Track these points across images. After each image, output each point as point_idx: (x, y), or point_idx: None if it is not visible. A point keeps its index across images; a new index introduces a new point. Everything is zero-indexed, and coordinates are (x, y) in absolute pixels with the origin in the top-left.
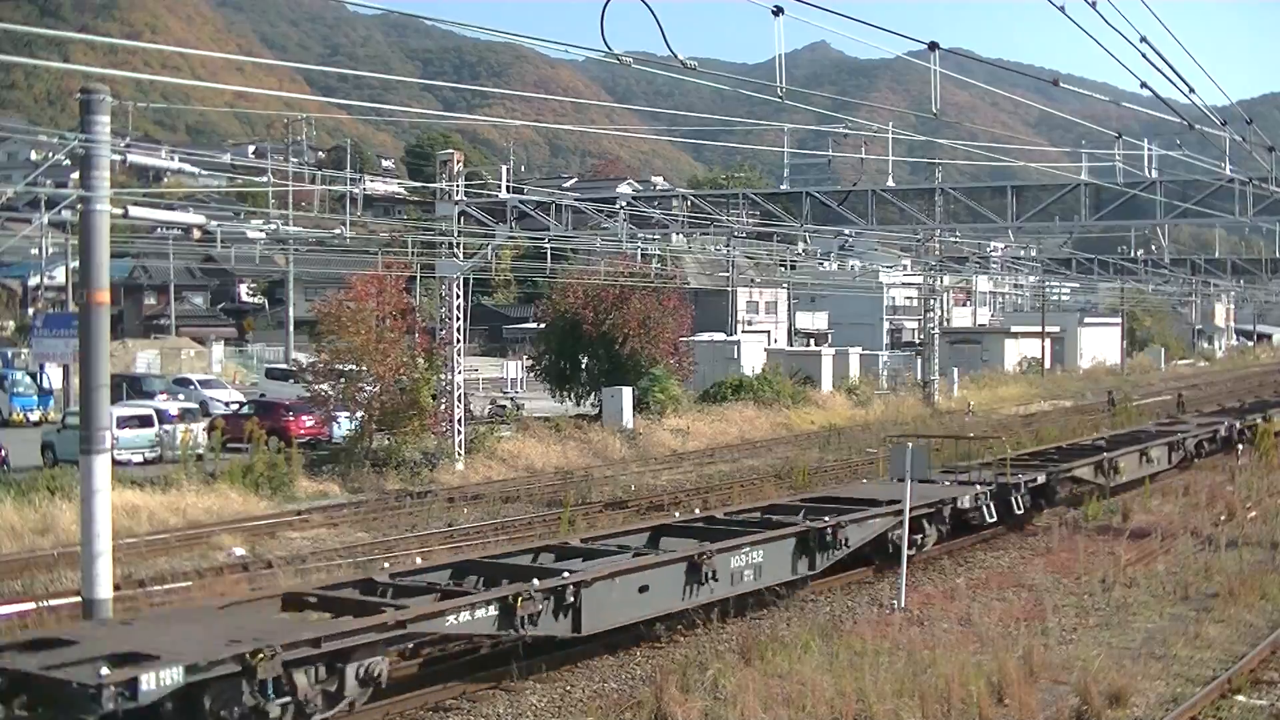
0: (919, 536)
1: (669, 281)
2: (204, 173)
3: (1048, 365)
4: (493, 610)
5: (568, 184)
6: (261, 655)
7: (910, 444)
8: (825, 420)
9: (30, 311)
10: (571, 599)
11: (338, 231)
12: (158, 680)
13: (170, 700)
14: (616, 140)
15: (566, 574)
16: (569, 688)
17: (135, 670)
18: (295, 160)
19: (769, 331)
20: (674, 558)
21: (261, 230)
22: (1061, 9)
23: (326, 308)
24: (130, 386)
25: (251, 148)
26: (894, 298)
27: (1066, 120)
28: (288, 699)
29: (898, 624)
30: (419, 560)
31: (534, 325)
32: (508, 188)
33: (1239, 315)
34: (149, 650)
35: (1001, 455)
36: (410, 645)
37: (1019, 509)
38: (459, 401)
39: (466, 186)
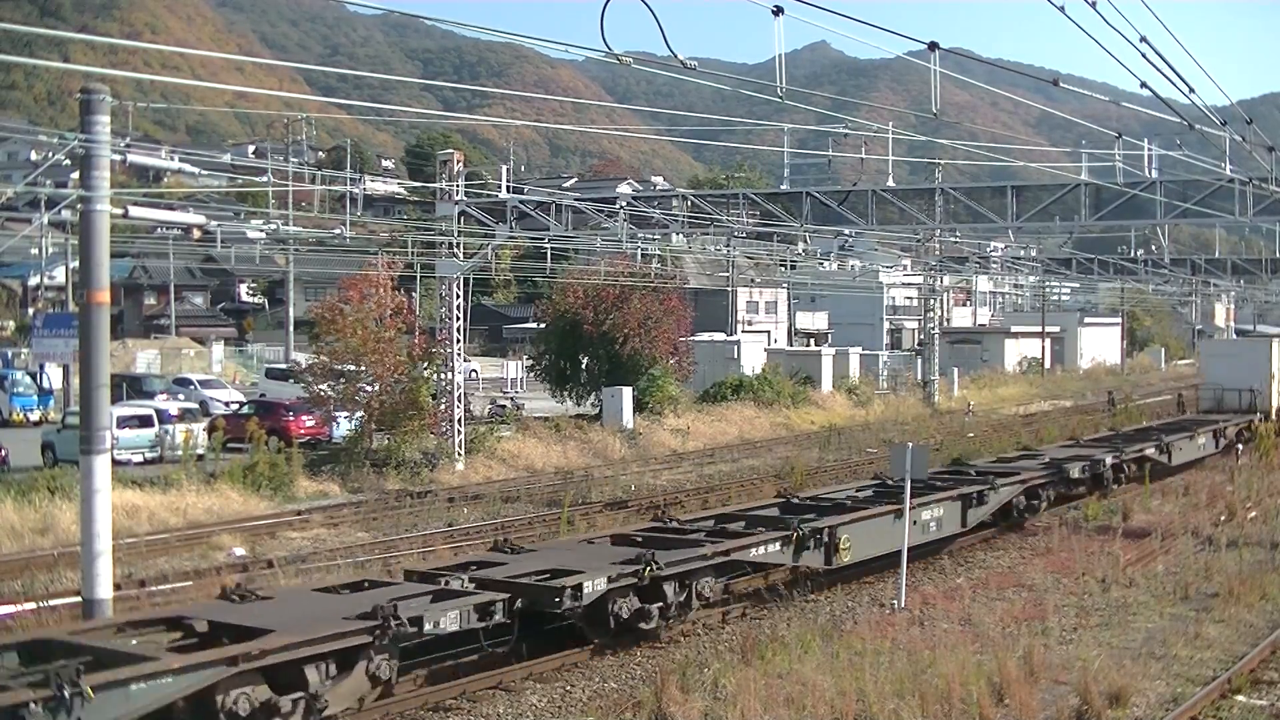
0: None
1: (669, 281)
2: (204, 173)
3: (1048, 365)
4: (776, 546)
5: (568, 184)
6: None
7: (911, 444)
8: (825, 420)
9: (30, 311)
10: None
11: (338, 231)
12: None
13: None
14: (616, 140)
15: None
16: (569, 688)
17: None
18: (295, 160)
19: (769, 331)
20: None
21: (261, 230)
22: (1061, 9)
23: (321, 310)
24: (130, 386)
25: (251, 148)
26: (894, 298)
27: (1066, 120)
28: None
29: (898, 624)
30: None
31: (534, 325)
32: (508, 188)
33: (1239, 315)
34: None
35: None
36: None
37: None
38: (459, 401)
39: (466, 186)
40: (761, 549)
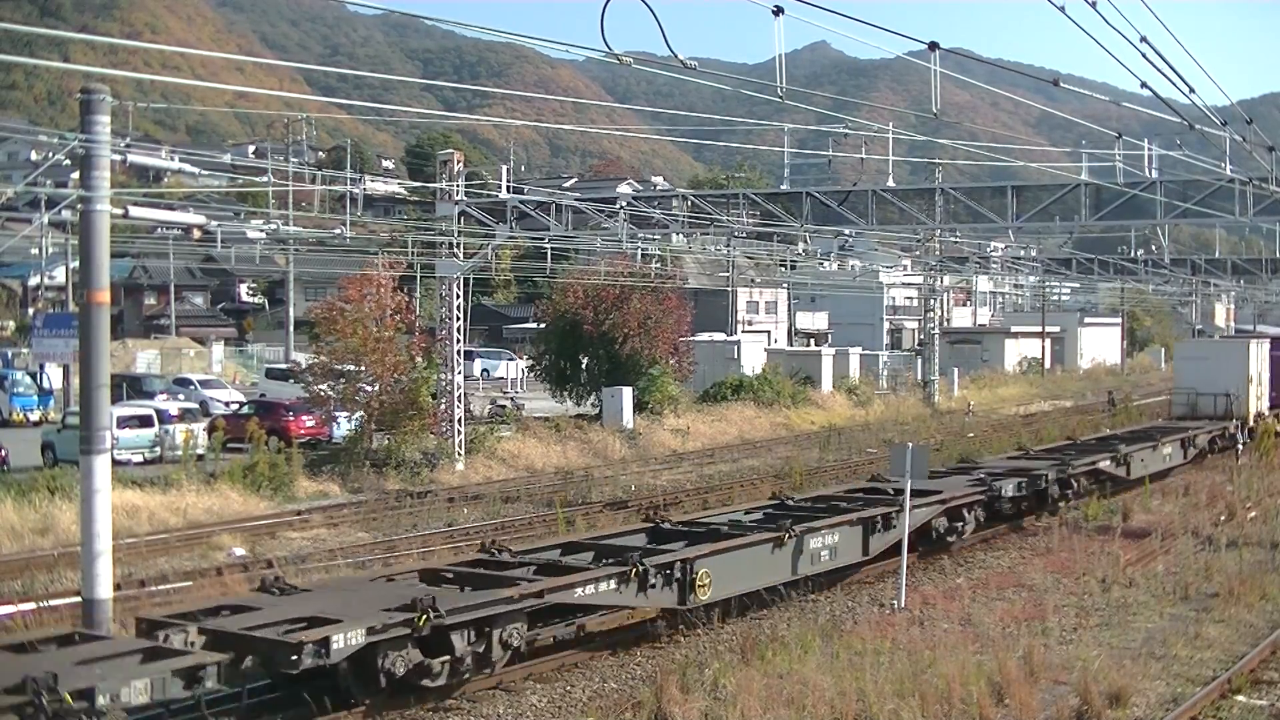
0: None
1: (669, 281)
2: (204, 173)
3: (1048, 365)
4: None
5: (568, 184)
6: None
7: (911, 444)
8: (825, 420)
9: (30, 311)
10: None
11: (338, 231)
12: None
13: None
14: (616, 140)
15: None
16: (569, 688)
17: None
18: (295, 160)
19: (769, 331)
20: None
21: (261, 230)
22: (1061, 9)
23: (321, 310)
24: (130, 386)
25: (251, 148)
26: (894, 298)
27: (1066, 120)
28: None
29: (898, 624)
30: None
31: (534, 325)
32: (508, 188)
33: (1239, 315)
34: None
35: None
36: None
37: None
38: (459, 401)
39: (466, 186)
40: (590, 588)
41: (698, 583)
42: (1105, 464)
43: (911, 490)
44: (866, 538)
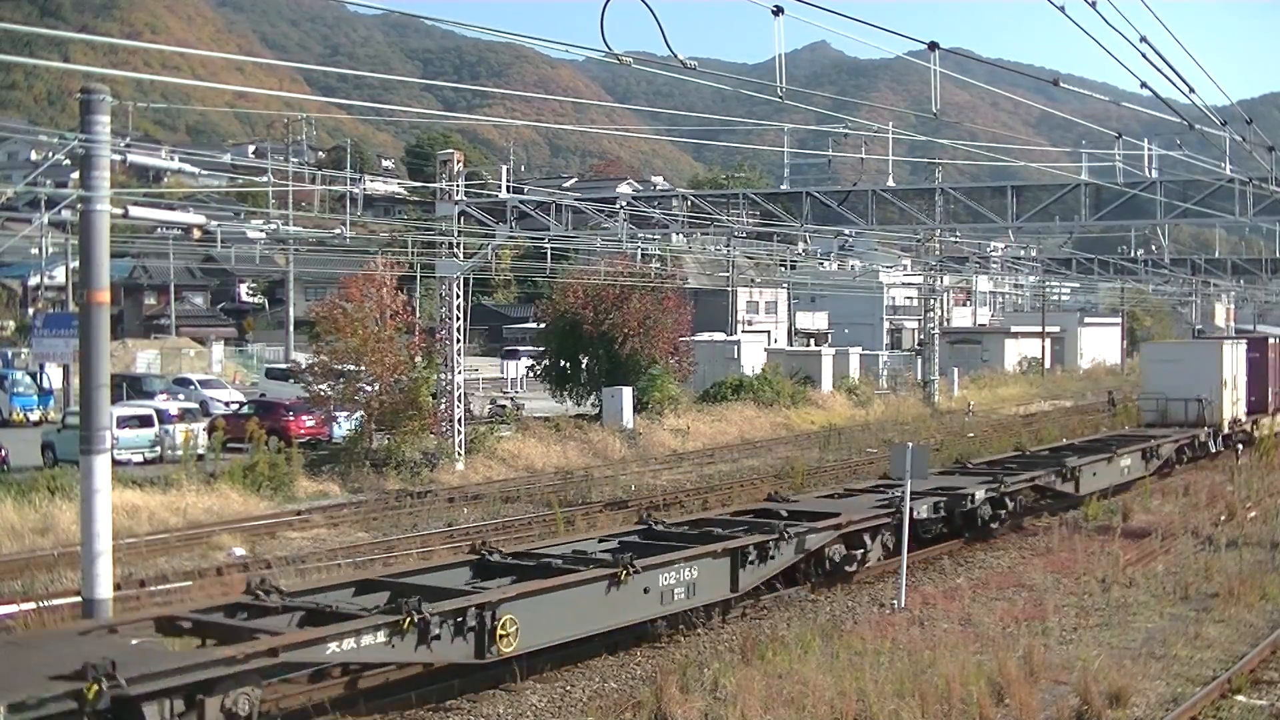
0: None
1: (669, 281)
2: (204, 173)
3: (1048, 365)
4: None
5: (568, 184)
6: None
7: (911, 444)
8: (825, 420)
9: (30, 311)
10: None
11: (338, 231)
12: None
13: None
14: (616, 140)
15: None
16: (569, 688)
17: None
18: (295, 160)
19: (769, 331)
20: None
21: (261, 230)
22: (1061, 9)
23: (321, 310)
24: (130, 386)
25: (251, 148)
26: (894, 298)
27: (1066, 120)
28: None
29: (898, 624)
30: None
31: (534, 325)
32: (508, 188)
33: (1239, 315)
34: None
35: None
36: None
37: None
38: (459, 401)
39: (466, 186)
40: (348, 643)
41: (499, 632)
42: (1049, 479)
43: (805, 512)
44: (736, 571)
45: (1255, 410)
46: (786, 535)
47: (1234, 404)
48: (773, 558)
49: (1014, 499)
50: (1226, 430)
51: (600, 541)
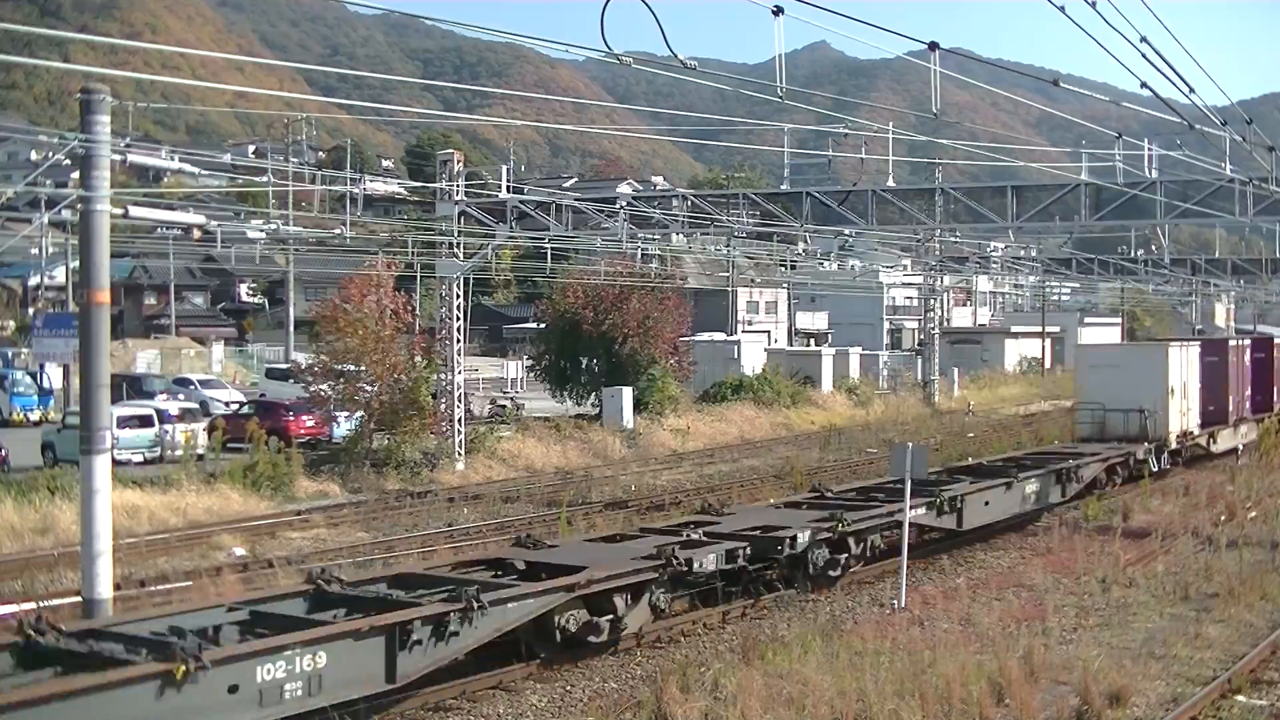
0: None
1: (669, 281)
2: (204, 173)
3: (1048, 365)
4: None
5: (568, 184)
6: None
7: (911, 444)
8: (825, 420)
9: (30, 311)
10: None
11: (338, 231)
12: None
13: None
14: (616, 140)
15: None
16: (569, 688)
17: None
18: (295, 160)
19: (769, 331)
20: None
21: (261, 230)
22: (1061, 9)
23: (322, 310)
24: (130, 386)
25: (251, 148)
26: (894, 298)
27: (1066, 120)
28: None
29: (898, 624)
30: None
31: (534, 325)
32: (508, 188)
33: (1239, 315)
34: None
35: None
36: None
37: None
38: (459, 401)
39: (466, 186)
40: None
41: None
42: (919, 513)
43: (543, 566)
44: (393, 656)
45: (1212, 422)
46: (483, 605)
47: (1183, 415)
48: (457, 634)
49: (857, 539)
50: (1174, 445)
51: (228, 612)
